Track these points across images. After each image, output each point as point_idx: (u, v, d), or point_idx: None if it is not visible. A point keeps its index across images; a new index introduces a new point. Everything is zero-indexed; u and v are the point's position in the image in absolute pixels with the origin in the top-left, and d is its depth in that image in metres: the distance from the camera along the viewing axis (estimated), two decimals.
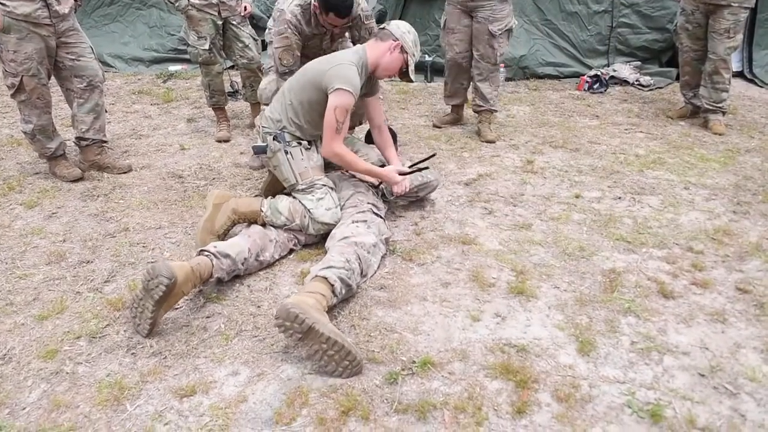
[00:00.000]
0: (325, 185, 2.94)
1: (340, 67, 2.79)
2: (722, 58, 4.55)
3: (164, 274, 2.20)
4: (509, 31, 4.31)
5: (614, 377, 2.07)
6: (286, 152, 2.93)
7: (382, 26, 3.04)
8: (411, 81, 3.08)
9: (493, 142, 4.46)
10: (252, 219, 2.94)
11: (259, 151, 3.04)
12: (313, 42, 3.58)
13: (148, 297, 2.22)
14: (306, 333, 2.05)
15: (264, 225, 2.91)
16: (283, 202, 2.91)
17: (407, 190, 3.10)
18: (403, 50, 2.95)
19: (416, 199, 3.38)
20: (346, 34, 3.76)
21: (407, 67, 3.00)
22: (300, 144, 2.96)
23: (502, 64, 6.16)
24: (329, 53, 3.59)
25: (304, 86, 2.90)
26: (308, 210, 2.86)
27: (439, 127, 4.82)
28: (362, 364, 2.11)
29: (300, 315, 2.04)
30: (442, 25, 4.48)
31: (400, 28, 2.97)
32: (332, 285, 2.32)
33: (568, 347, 2.23)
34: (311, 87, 2.86)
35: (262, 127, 3.05)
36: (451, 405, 1.95)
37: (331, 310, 2.35)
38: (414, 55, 2.99)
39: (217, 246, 2.59)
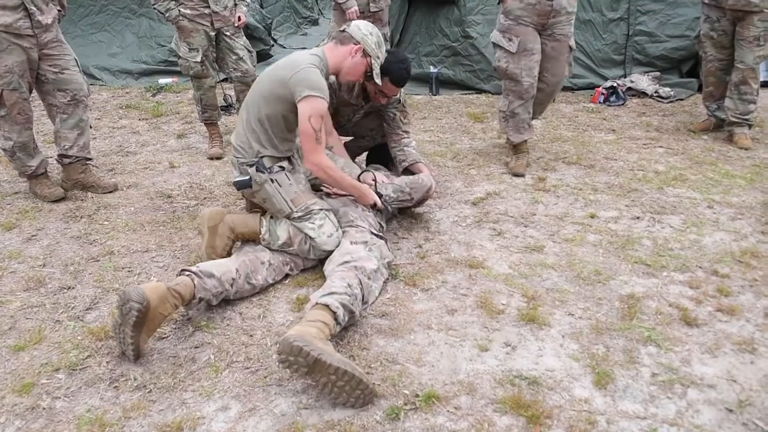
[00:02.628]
0: (322, 209, 2.92)
1: (303, 72, 2.77)
2: (751, 68, 4.55)
3: (134, 299, 2.22)
4: None
5: (634, 412, 2.05)
6: (272, 180, 2.88)
7: (342, 28, 3.03)
8: (378, 84, 3.09)
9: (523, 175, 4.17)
10: (252, 238, 2.96)
11: (243, 186, 2.93)
12: (346, 111, 3.60)
13: (125, 323, 2.24)
14: (312, 366, 2.04)
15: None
16: (282, 225, 2.91)
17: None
18: (365, 53, 2.95)
19: (412, 205, 3.38)
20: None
21: (371, 70, 3.01)
22: (283, 169, 2.92)
23: None
24: (355, 125, 3.68)
25: (267, 100, 2.84)
26: (311, 238, 2.85)
27: (522, 175, 4.17)
28: (375, 392, 2.10)
29: (304, 348, 2.03)
30: (513, 50, 3.96)
31: (361, 29, 2.96)
32: (334, 312, 2.31)
33: (583, 379, 2.20)
34: (274, 100, 2.83)
35: (235, 158, 2.97)
36: None
37: (332, 339, 2.33)
38: (378, 57, 3.00)
39: (200, 266, 2.61)
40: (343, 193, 3.17)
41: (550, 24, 3.94)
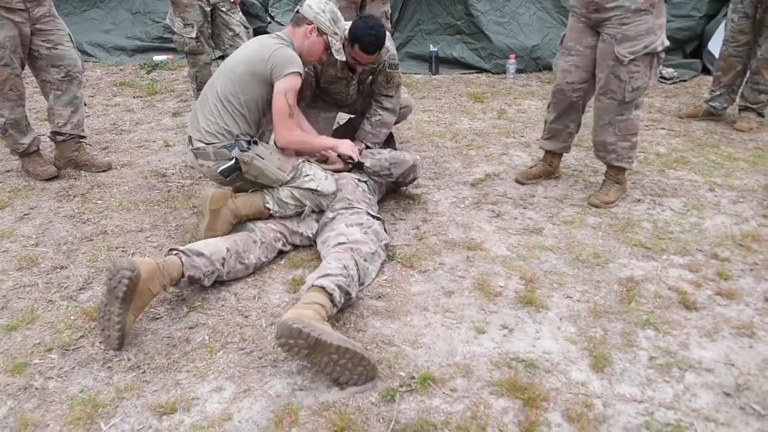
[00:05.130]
0: (302, 161, 3.00)
1: (282, 50, 2.82)
2: (765, 58, 4.42)
3: (125, 266, 2.20)
4: (653, 56, 3.11)
5: (631, 395, 2.06)
6: (256, 155, 2.86)
7: (296, 9, 3.01)
8: (342, 60, 3.11)
9: (612, 202, 3.40)
10: (256, 218, 2.95)
11: (232, 171, 2.83)
12: (337, 86, 3.55)
13: (112, 299, 2.20)
14: (313, 347, 2.04)
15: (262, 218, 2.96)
16: (284, 192, 2.93)
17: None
18: (320, 32, 2.95)
19: (393, 181, 3.34)
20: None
21: (330, 48, 3.01)
22: (256, 142, 2.90)
23: (513, 55, 6.17)
24: (353, 100, 3.66)
25: (246, 85, 2.83)
26: (315, 190, 2.94)
27: (524, 184, 3.71)
28: (377, 368, 2.11)
29: (304, 330, 2.02)
30: (560, 41, 3.47)
31: (313, 8, 2.95)
32: (330, 294, 2.31)
33: (580, 362, 2.21)
34: (255, 83, 2.83)
35: (209, 145, 2.86)
36: (452, 425, 1.94)
37: (328, 321, 2.33)
38: (336, 33, 2.99)
39: (189, 245, 2.60)
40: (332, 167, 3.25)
41: (596, 20, 3.17)
